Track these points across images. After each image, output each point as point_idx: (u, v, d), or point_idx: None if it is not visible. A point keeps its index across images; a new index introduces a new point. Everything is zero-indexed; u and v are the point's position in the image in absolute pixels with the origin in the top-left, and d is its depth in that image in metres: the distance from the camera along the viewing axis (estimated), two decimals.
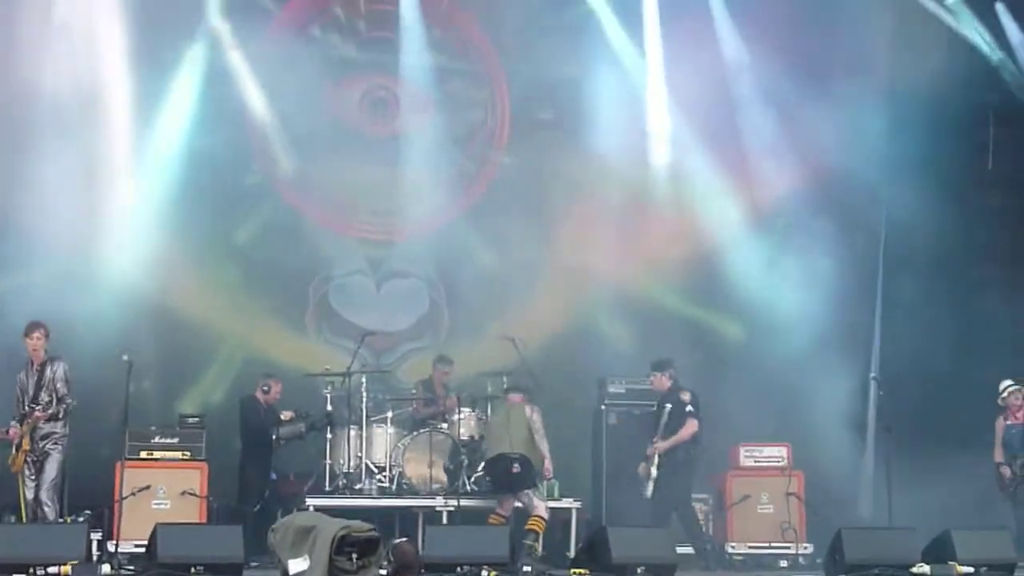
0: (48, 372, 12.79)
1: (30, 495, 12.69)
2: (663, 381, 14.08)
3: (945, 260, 16.10)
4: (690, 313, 16.45)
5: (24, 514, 12.95)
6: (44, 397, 12.74)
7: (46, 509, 12.63)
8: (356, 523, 9.66)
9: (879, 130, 16.47)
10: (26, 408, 12.72)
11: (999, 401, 14.49)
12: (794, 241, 16.50)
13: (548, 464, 13.82)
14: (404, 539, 9.34)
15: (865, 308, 16.66)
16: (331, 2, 16.40)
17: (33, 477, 12.71)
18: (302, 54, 16.10)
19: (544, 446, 13.78)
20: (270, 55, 15.93)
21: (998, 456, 14.37)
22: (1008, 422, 14.42)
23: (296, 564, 9.32)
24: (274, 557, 9.61)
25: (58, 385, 12.77)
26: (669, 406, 13.85)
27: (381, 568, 9.25)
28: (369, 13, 16.42)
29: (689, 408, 13.81)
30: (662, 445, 13.70)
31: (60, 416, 12.68)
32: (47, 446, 12.69)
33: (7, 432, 12.82)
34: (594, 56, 16.44)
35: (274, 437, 13.91)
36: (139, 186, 15.35)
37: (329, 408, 13.99)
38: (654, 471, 13.64)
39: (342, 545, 9.23)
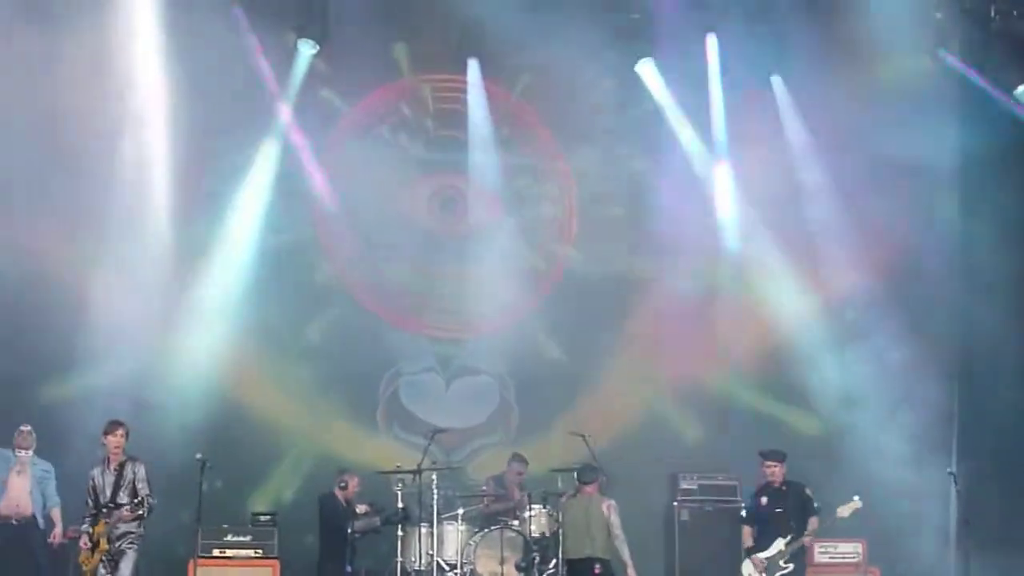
0: (128, 472, 12.78)
1: None
2: (781, 472, 13.95)
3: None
4: (761, 407, 16.35)
5: None
6: (123, 497, 12.75)
7: None
8: None
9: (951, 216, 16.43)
10: (102, 508, 12.72)
11: None
12: (866, 333, 16.42)
13: (632, 572, 13.67)
14: None
15: (943, 402, 16.41)
16: (400, 102, 16.55)
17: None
18: (372, 154, 16.32)
19: (625, 551, 13.67)
20: (340, 155, 16.19)
21: None
22: None
23: None
24: None
25: (139, 485, 12.77)
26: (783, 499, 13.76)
27: None
28: (437, 112, 16.57)
29: (816, 504, 13.77)
30: (805, 540, 13.62)
31: (144, 516, 12.70)
32: (123, 545, 12.70)
33: (79, 534, 12.92)
34: (660, 149, 16.52)
35: (349, 531, 13.90)
36: (212, 284, 15.53)
37: (401, 505, 13.96)
38: (783, 564, 13.55)
39: None
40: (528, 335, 16.46)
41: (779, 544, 13.60)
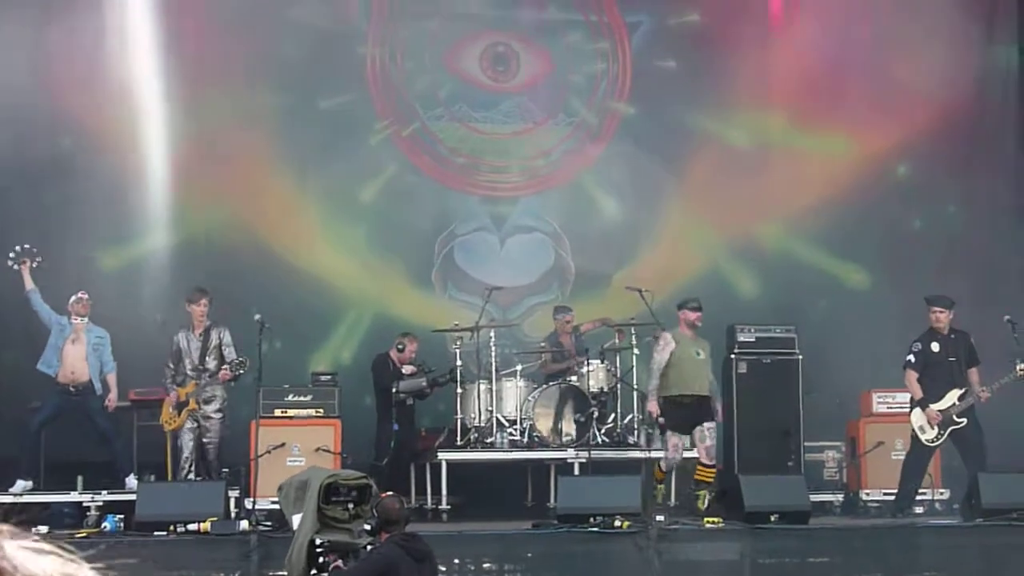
0: (214, 337, 13.23)
1: (186, 453, 13.09)
2: (948, 318, 13.13)
3: None
4: (816, 260, 16.31)
5: (169, 472, 13.35)
6: (211, 362, 13.16)
7: (213, 469, 13.10)
8: (345, 471, 9.69)
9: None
10: (188, 371, 13.14)
11: None
12: (921, 186, 16.35)
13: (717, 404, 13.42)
14: (389, 493, 9.32)
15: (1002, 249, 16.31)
16: None
17: (193, 437, 13.13)
18: (422, 11, 16.19)
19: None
20: (391, 12, 16.05)
21: None
22: None
23: (297, 519, 9.34)
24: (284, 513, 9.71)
25: (225, 350, 13.21)
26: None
27: (367, 523, 9.16)
28: None
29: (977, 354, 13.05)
30: (982, 394, 12.83)
31: (238, 377, 13.12)
32: (211, 409, 13.13)
33: (158, 394, 13.26)
34: (717, 1, 16.32)
35: (394, 391, 14.00)
36: (263, 145, 15.51)
37: (459, 363, 14.00)
38: (957, 418, 12.90)
39: (330, 494, 9.20)
40: (583, 192, 16.41)
41: (953, 396, 12.92)
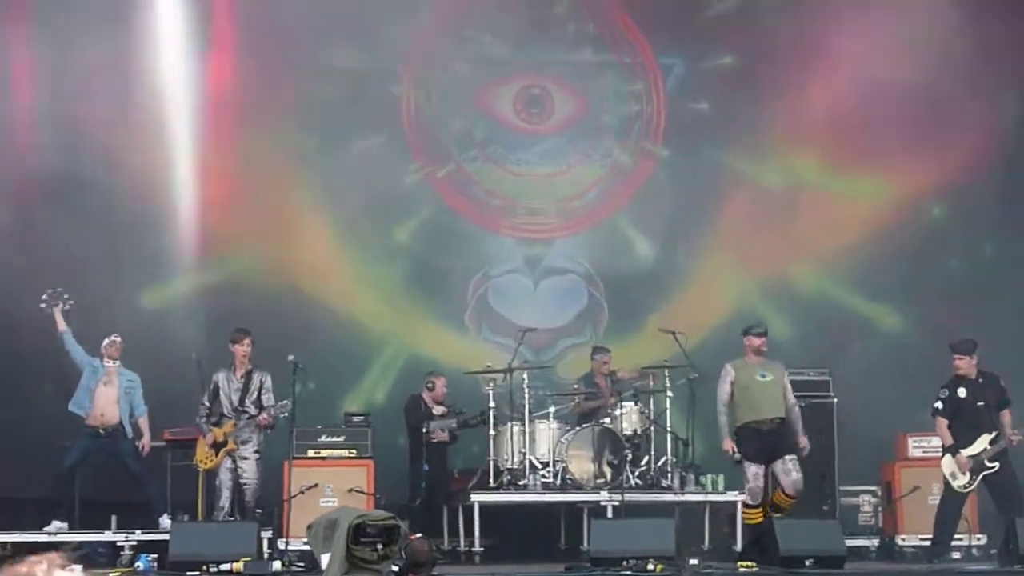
0: (255, 381, 13.28)
1: (226, 493, 13.14)
2: (972, 363, 12.94)
3: None
4: (849, 302, 16.29)
5: (201, 512, 13.40)
6: (250, 405, 13.23)
7: (249, 510, 13.13)
8: (375, 512, 9.66)
9: None
10: (226, 412, 13.20)
11: None
12: (956, 226, 16.38)
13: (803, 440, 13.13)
14: (418, 536, 9.29)
15: None
16: (485, 1, 16.41)
17: (232, 477, 13.18)
18: (457, 53, 16.32)
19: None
20: (426, 54, 16.20)
21: None
22: None
23: (326, 559, 9.32)
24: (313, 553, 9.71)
25: (264, 396, 13.28)
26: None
27: (394, 565, 9.17)
28: (521, 9, 16.42)
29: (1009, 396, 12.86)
30: (1013, 437, 12.67)
31: (275, 424, 13.20)
32: (248, 450, 13.20)
33: (194, 434, 13.33)
34: (751, 43, 16.40)
35: (424, 431, 14.02)
36: (299, 186, 15.66)
37: (492, 405, 14.00)
38: (988, 463, 12.72)
39: (358, 535, 9.18)
40: (617, 233, 16.49)
41: (983, 441, 12.75)
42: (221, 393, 13.28)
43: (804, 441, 13.03)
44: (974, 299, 15.81)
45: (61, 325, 13.40)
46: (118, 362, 13.43)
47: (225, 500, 13.15)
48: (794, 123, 16.23)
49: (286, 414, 13.06)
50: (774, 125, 16.19)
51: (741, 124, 16.31)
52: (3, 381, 14.31)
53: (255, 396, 13.28)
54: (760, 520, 12.78)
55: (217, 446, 13.18)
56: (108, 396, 13.30)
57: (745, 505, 12.96)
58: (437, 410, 14.23)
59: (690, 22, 16.50)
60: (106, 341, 13.43)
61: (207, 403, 13.30)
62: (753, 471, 12.77)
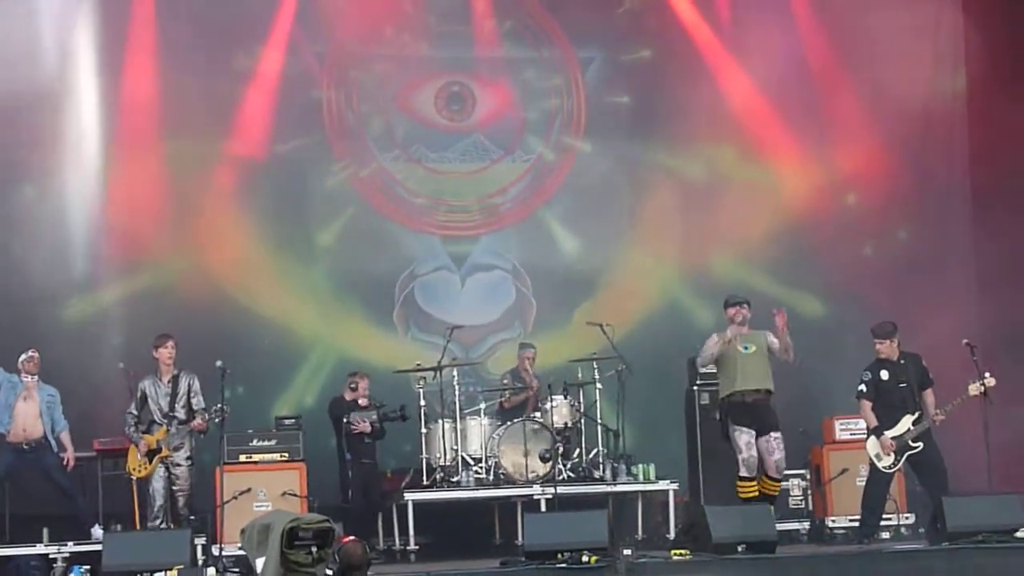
0: (183, 384, 13.23)
1: (159, 501, 13.08)
2: (893, 346, 13.05)
3: None
4: (771, 290, 16.42)
5: (137, 521, 13.30)
6: (180, 409, 13.17)
7: (183, 517, 13.08)
8: (308, 515, 9.68)
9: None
10: (156, 419, 13.14)
11: None
12: (871, 213, 16.66)
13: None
14: (351, 538, 9.32)
15: (955, 270, 16.54)
16: (402, 1, 16.52)
17: (165, 485, 13.12)
18: (376, 53, 16.37)
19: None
20: (344, 56, 16.23)
21: None
22: None
23: (260, 563, 9.34)
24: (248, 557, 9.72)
25: (194, 399, 13.23)
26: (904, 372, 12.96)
27: (329, 568, 9.20)
28: (438, 8, 16.55)
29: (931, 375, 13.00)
30: (936, 417, 12.76)
31: (210, 426, 13.16)
32: (180, 456, 13.15)
33: (123, 443, 13.27)
34: (667, 37, 16.61)
35: (344, 421, 14.09)
36: (221, 191, 15.67)
37: (423, 403, 14.09)
38: (912, 443, 12.84)
39: (292, 538, 9.21)
40: (542, 228, 16.66)
41: (907, 422, 12.86)
42: (149, 400, 13.21)
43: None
44: (890, 284, 16.08)
45: None
46: (36, 377, 13.35)
47: (160, 508, 13.09)
48: (711, 115, 16.43)
49: (221, 418, 13.00)
50: (692, 117, 16.32)
51: (660, 116, 16.50)
52: None
53: (184, 400, 13.23)
54: (756, 494, 12.62)
55: (151, 453, 13.12)
56: (29, 411, 13.23)
57: (739, 478, 12.70)
58: (361, 402, 14.29)
59: (608, 16, 16.68)
60: (23, 356, 13.34)
61: (135, 411, 13.22)
62: (745, 439, 12.58)
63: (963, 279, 16.55)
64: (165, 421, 13.17)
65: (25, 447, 13.18)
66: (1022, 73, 15.92)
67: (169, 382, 13.25)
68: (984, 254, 16.51)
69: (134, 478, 13.24)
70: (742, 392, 12.72)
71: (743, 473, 12.68)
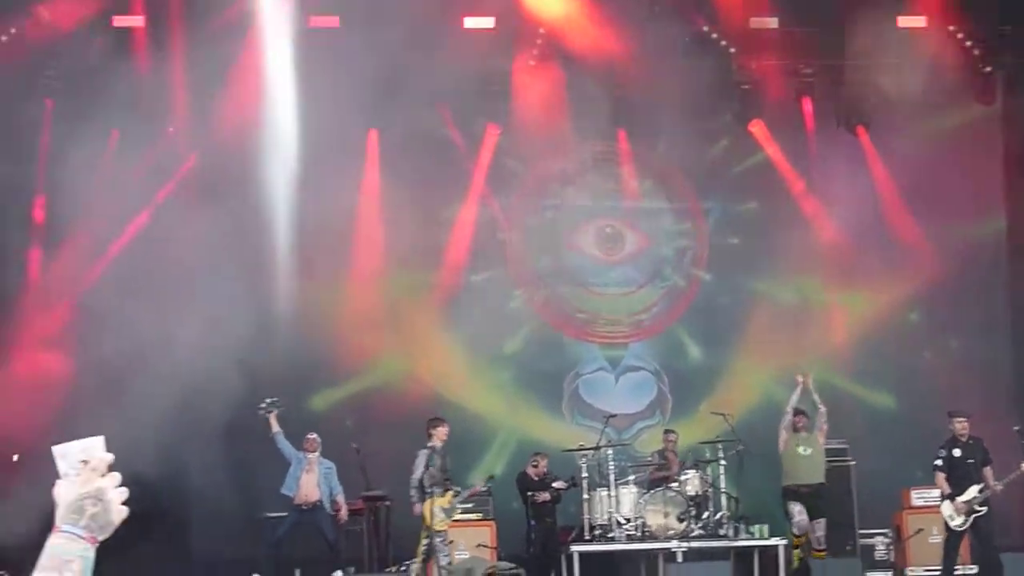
0: (450, 458, 13.50)
1: (443, 561, 13.02)
2: (967, 426, 13.23)
3: None
4: (851, 389, 16.67)
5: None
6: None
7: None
8: (502, 563, 9.68)
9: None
10: (444, 483, 13.15)
11: None
12: (929, 327, 16.87)
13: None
14: None
15: (998, 372, 16.68)
16: (563, 164, 17.09)
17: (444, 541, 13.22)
18: (547, 203, 17.04)
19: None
20: (521, 211, 16.96)
21: None
22: None
23: None
24: None
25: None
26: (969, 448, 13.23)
27: None
28: (595, 169, 17.14)
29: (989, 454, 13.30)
30: (996, 488, 12.97)
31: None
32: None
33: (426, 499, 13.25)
34: (769, 190, 17.02)
35: (529, 494, 14.49)
36: (430, 311, 16.32)
37: (584, 475, 14.43)
38: (978, 507, 12.98)
39: None
40: (675, 339, 17.17)
41: (974, 490, 13.00)
42: (432, 467, 13.28)
43: None
44: (945, 382, 16.26)
45: (275, 427, 13.67)
46: (317, 453, 13.79)
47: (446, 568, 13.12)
48: (802, 251, 16.82)
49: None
50: (787, 253, 16.79)
51: (763, 253, 16.99)
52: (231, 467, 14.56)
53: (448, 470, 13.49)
54: (798, 564, 13.37)
55: (449, 511, 13.30)
56: (311, 481, 13.62)
57: (794, 536, 13.63)
58: (556, 484, 14.51)
59: (724, 175, 17.23)
60: (308, 437, 13.81)
61: (423, 477, 13.17)
62: (798, 508, 13.58)
63: (1003, 379, 16.69)
64: (445, 486, 13.24)
65: (303, 508, 13.62)
66: None
67: (441, 454, 13.27)
68: (1021, 358, 16.76)
69: (436, 529, 12.96)
70: (798, 486, 13.66)
71: (795, 531, 13.54)
